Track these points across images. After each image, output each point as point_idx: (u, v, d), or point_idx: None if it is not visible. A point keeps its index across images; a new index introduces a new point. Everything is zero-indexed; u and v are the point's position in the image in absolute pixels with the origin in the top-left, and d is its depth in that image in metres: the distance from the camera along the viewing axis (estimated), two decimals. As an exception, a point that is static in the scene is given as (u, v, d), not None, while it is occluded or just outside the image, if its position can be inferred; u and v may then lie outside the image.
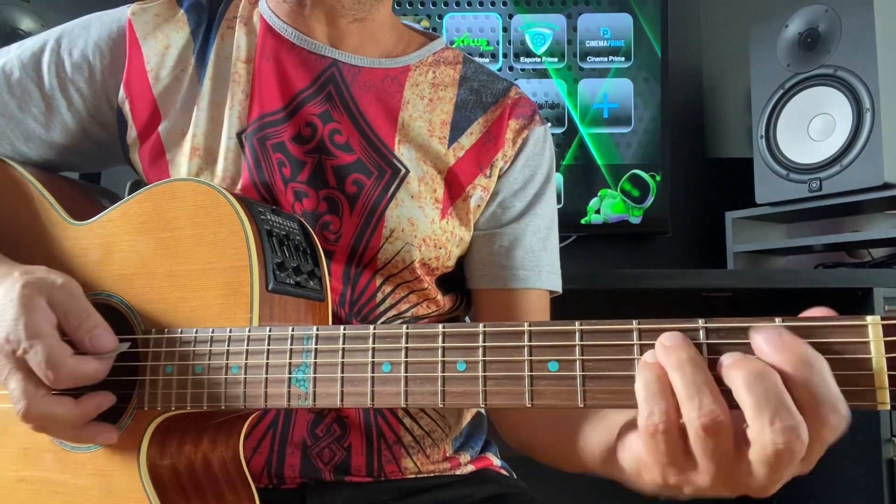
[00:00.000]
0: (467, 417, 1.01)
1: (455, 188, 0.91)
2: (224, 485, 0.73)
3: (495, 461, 1.02)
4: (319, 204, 0.86)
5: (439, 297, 0.93)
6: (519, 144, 0.94)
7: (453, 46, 0.99)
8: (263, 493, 0.83)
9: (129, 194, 0.78)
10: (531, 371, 0.49)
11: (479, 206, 0.92)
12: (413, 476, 0.92)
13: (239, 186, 0.85)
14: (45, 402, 0.65)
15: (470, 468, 0.97)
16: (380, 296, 0.89)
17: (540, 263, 0.94)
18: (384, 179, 0.87)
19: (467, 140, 0.92)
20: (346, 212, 0.86)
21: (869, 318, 0.44)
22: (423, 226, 0.88)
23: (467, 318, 1.06)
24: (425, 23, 2.05)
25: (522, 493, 0.95)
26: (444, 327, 0.53)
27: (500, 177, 0.93)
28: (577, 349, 0.48)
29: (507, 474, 1.02)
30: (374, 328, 0.56)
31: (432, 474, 0.93)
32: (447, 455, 0.95)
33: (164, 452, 0.69)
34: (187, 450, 0.71)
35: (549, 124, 2.01)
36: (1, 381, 0.66)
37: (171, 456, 0.70)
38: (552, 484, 2.17)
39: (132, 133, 0.88)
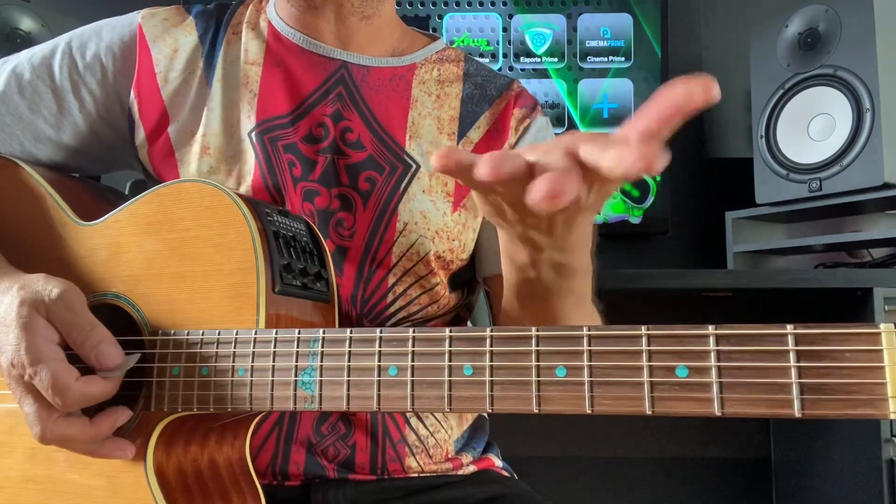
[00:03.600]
0: (470, 419, 1.02)
1: None
2: (230, 486, 0.73)
3: (497, 462, 1.03)
4: (332, 202, 0.87)
5: (447, 293, 0.94)
6: (520, 132, 0.96)
7: (454, 46, 1.01)
8: (267, 490, 0.83)
9: (130, 194, 0.78)
10: (538, 376, 0.49)
11: None
12: (416, 475, 0.92)
13: (249, 186, 0.86)
14: (59, 424, 0.64)
15: (472, 468, 0.98)
16: (391, 296, 0.90)
17: None
18: (396, 175, 0.89)
19: (475, 134, 0.94)
20: (359, 208, 0.88)
21: (882, 326, 0.43)
22: (436, 218, 0.90)
23: (469, 323, 1.07)
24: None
25: (524, 493, 0.95)
26: (450, 331, 0.53)
27: None
28: (586, 355, 0.48)
29: (509, 475, 1.02)
30: (381, 331, 0.56)
31: (435, 474, 0.94)
32: (450, 456, 0.96)
33: (170, 454, 0.69)
34: (193, 451, 0.71)
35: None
36: (17, 403, 0.66)
37: (177, 457, 0.70)
38: (553, 485, 2.18)
39: (140, 134, 0.89)
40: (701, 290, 1.79)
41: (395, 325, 0.91)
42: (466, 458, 0.98)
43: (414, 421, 0.92)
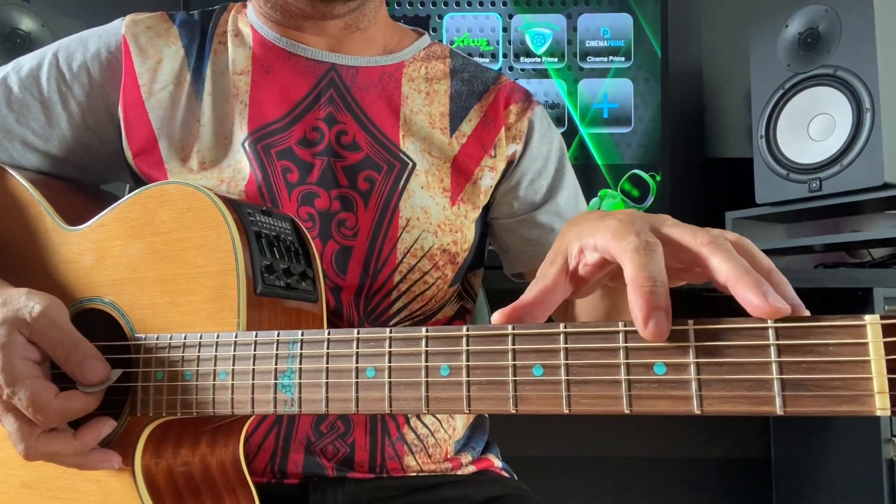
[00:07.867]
0: (470, 418, 1.02)
1: (463, 174, 0.94)
2: (223, 488, 0.73)
3: (496, 462, 1.03)
4: (332, 203, 0.88)
5: (446, 287, 0.95)
6: (527, 125, 0.97)
7: (453, 46, 1.01)
8: (265, 488, 0.83)
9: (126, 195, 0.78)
10: (515, 376, 0.48)
11: (491, 185, 0.95)
12: (415, 474, 0.92)
13: (242, 191, 0.85)
14: (42, 440, 0.64)
15: (471, 469, 0.98)
16: (395, 293, 0.90)
17: None
18: (394, 173, 0.90)
19: (467, 126, 0.95)
20: (360, 208, 0.88)
21: (867, 318, 0.40)
22: (436, 213, 0.91)
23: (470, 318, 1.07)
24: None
25: (523, 494, 0.95)
26: (427, 330, 0.52)
27: (520, 158, 0.97)
28: (562, 353, 0.47)
29: (508, 476, 1.03)
30: (359, 331, 0.55)
31: (434, 473, 0.94)
32: (449, 456, 0.96)
33: (159, 458, 0.69)
34: (184, 454, 0.71)
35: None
36: None
37: (166, 461, 0.69)
38: (553, 486, 2.17)
39: (128, 148, 0.89)
40: (701, 291, 1.78)
41: (397, 323, 0.91)
42: (466, 458, 0.98)
43: (413, 420, 0.93)
